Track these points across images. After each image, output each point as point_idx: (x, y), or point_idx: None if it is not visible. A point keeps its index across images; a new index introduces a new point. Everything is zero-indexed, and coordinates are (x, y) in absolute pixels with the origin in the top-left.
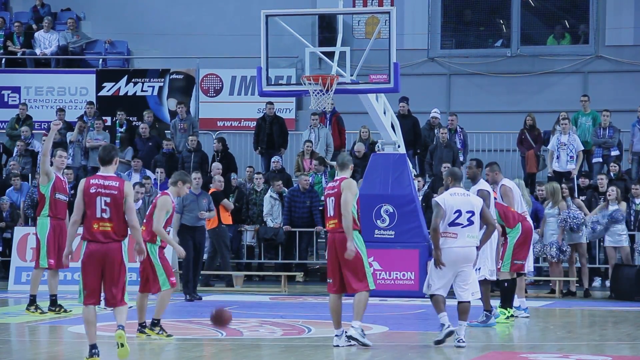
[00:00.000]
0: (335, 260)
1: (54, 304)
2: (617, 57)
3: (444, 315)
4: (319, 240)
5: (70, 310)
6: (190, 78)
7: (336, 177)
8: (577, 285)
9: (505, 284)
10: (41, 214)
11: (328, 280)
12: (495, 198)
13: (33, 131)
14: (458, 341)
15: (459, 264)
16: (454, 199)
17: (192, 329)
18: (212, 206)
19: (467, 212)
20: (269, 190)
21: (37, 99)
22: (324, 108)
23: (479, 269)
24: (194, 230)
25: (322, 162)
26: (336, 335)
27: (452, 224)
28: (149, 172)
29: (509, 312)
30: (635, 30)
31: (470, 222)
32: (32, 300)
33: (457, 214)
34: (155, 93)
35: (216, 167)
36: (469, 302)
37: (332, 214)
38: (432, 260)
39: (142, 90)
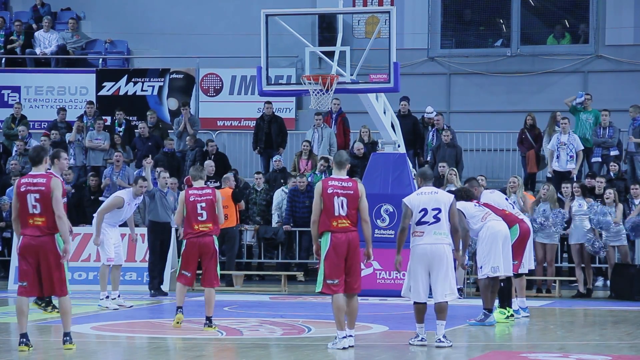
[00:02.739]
0: (343, 260)
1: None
2: (617, 57)
3: (421, 326)
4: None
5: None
6: (190, 77)
7: (339, 176)
8: (575, 284)
9: (502, 283)
10: None
11: (333, 281)
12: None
13: (30, 130)
14: (437, 341)
15: (427, 259)
16: (420, 197)
17: (192, 329)
18: None
19: (433, 209)
20: (283, 187)
21: (37, 99)
22: (328, 108)
23: (481, 267)
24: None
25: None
26: (344, 337)
27: (419, 222)
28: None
29: (508, 312)
30: (635, 29)
31: (437, 219)
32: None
33: (422, 212)
34: (155, 93)
35: (209, 164)
36: (445, 302)
37: (343, 214)
38: (409, 263)
39: (142, 90)
